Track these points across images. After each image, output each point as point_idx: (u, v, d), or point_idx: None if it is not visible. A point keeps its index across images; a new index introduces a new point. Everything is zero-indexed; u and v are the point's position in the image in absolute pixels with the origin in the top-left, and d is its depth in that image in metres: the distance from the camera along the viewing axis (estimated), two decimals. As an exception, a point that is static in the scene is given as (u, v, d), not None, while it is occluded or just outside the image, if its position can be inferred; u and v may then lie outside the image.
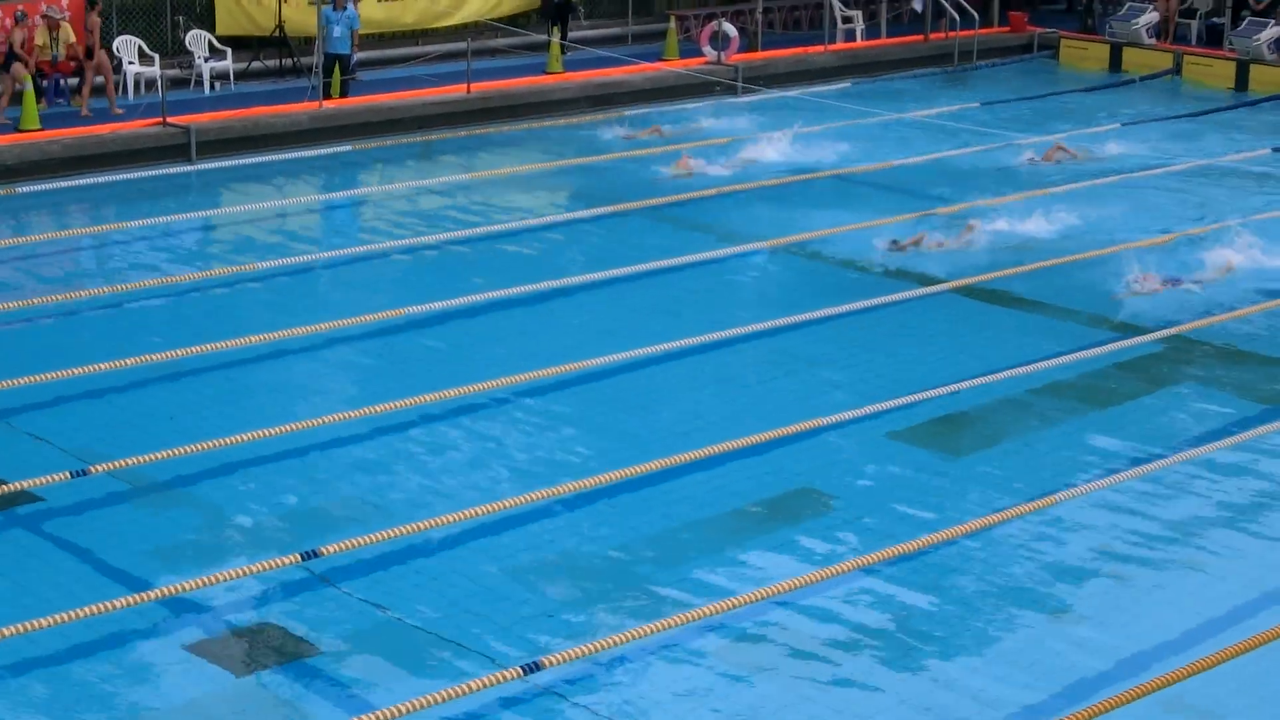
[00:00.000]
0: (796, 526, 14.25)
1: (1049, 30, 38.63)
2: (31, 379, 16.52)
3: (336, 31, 29.35)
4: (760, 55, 34.82)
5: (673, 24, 35.01)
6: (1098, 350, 18.46)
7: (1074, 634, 12.59)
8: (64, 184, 24.86)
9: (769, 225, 23.28)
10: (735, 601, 12.63)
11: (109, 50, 29.20)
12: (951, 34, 36.91)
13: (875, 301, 19.85)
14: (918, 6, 37.82)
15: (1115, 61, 36.77)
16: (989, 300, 20.33)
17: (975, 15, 36.83)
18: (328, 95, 28.79)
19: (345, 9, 29.39)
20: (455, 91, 30.09)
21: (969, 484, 15.19)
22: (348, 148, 27.69)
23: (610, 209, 23.96)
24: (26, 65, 26.87)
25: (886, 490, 14.99)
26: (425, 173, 26.32)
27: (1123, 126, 30.42)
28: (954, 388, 17.11)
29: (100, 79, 27.83)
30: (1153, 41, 36.87)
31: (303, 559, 12.95)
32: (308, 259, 21.61)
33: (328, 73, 29.05)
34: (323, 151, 27.43)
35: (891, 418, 16.44)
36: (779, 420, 16.17)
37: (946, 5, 36.83)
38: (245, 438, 15.24)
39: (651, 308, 19.77)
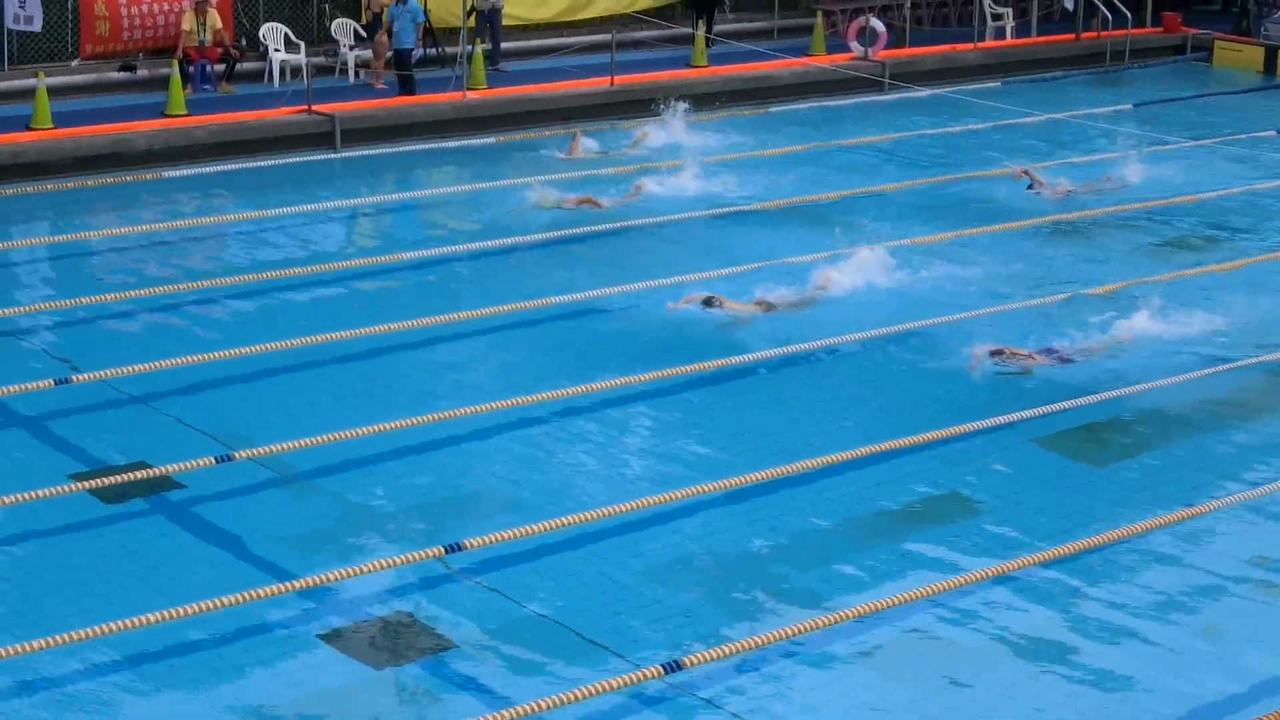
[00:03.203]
0: (939, 531, 14.08)
1: (1203, 31, 38.02)
2: (176, 362, 16.68)
3: (397, 25, 29.28)
4: (907, 52, 34.58)
5: (819, 19, 34.84)
6: (1245, 361, 18.11)
7: (1220, 647, 12.33)
8: (209, 169, 25.09)
9: (902, 227, 23.03)
10: (875, 605, 12.51)
11: (256, 37, 29.48)
12: (1104, 33, 36.46)
13: (1023, 305, 19.60)
14: (1069, 5, 37.35)
15: (1270, 64, 36.11)
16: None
17: (1128, 15, 36.29)
18: (404, 91, 28.81)
19: (406, 2, 29.21)
20: (599, 84, 30.07)
21: (1114, 492, 14.94)
22: (491, 139, 27.74)
23: (760, 205, 23.84)
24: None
25: (1030, 497, 14.77)
26: (567, 165, 26.22)
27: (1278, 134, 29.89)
28: (1099, 396, 16.85)
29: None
30: (1310, 45, 36.27)
31: (446, 551, 12.94)
32: (450, 250, 21.65)
33: (399, 67, 29.03)
34: (466, 142, 27.50)
35: (1037, 424, 16.20)
36: (922, 426, 16.00)
37: (1099, 4, 36.37)
38: (387, 427, 15.27)
39: (790, 305, 19.54)
